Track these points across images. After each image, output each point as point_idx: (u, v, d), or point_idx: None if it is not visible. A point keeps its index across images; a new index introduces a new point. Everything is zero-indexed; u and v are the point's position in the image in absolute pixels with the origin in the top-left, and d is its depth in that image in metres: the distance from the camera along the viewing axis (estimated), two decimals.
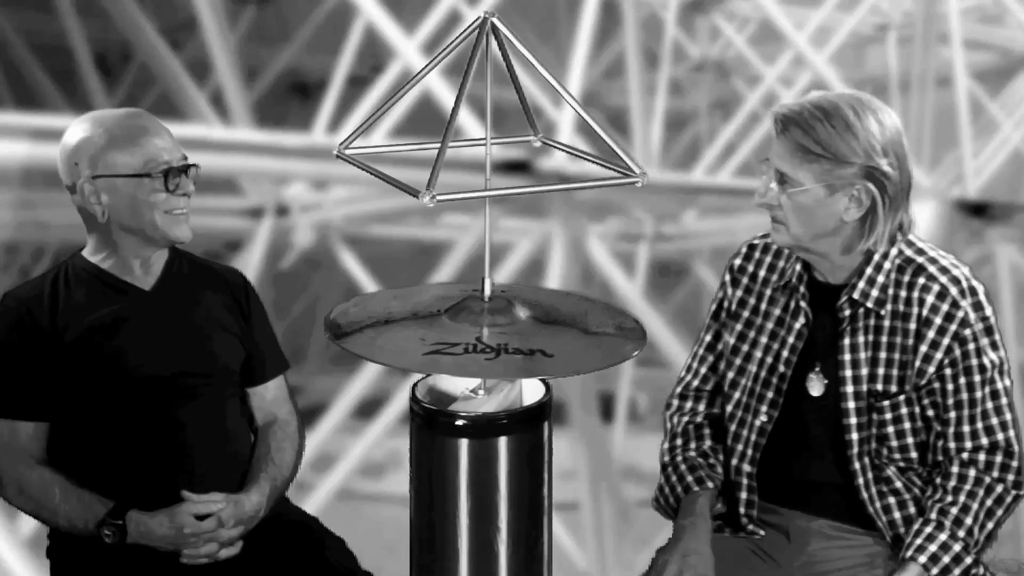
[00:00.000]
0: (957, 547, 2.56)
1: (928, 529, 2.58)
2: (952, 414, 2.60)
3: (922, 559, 2.55)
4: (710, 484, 2.73)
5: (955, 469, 2.61)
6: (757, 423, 2.70)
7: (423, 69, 2.41)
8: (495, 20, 2.32)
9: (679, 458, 2.78)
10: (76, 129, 2.74)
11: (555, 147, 2.61)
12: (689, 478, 2.74)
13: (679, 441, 2.81)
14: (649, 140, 8.97)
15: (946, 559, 2.55)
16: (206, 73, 8.05)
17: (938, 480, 2.62)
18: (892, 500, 2.65)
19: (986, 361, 2.59)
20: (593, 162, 2.46)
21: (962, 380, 2.59)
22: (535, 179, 6.93)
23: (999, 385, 2.61)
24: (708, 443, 2.79)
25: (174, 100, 7.69)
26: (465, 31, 2.35)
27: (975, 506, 2.59)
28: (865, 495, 2.64)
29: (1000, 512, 2.61)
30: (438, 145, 2.25)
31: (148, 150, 2.72)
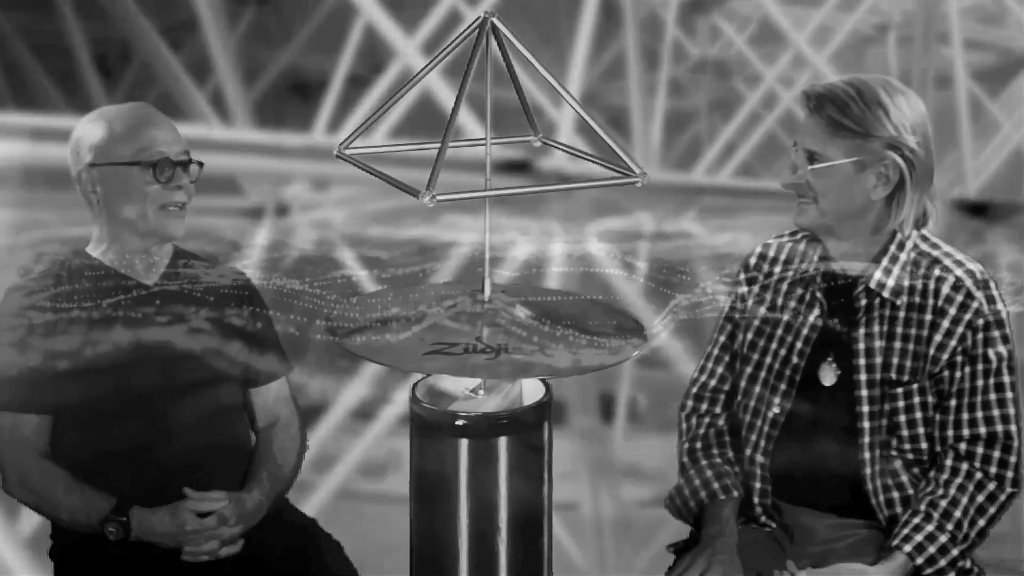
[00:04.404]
0: (944, 538, 2.57)
1: (916, 520, 2.59)
2: (953, 402, 2.61)
3: (907, 548, 2.56)
4: (735, 493, 2.73)
5: (949, 462, 2.61)
6: (770, 414, 2.71)
7: (423, 69, 2.41)
8: (495, 20, 2.32)
9: (703, 462, 2.78)
10: (83, 121, 2.78)
11: (555, 147, 2.61)
12: (715, 485, 2.74)
13: (700, 444, 2.80)
14: (649, 140, 8.96)
15: (932, 549, 2.56)
16: (206, 73, 8.04)
17: (932, 473, 2.63)
18: (896, 495, 2.65)
19: (992, 353, 2.60)
20: (593, 162, 2.46)
21: (967, 369, 2.60)
22: (535, 179, 6.92)
23: (1005, 379, 2.61)
24: (731, 452, 2.79)
25: (174, 100, 7.68)
26: (465, 31, 2.35)
27: (964, 500, 2.59)
28: (870, 486, 2.65)
29: (992, 510, 2.61)
30: (438, 145, 2.25)
31: (143, 140, 2.74)
